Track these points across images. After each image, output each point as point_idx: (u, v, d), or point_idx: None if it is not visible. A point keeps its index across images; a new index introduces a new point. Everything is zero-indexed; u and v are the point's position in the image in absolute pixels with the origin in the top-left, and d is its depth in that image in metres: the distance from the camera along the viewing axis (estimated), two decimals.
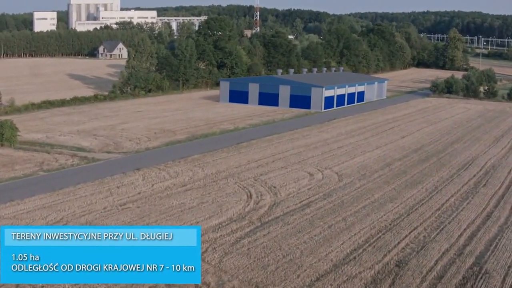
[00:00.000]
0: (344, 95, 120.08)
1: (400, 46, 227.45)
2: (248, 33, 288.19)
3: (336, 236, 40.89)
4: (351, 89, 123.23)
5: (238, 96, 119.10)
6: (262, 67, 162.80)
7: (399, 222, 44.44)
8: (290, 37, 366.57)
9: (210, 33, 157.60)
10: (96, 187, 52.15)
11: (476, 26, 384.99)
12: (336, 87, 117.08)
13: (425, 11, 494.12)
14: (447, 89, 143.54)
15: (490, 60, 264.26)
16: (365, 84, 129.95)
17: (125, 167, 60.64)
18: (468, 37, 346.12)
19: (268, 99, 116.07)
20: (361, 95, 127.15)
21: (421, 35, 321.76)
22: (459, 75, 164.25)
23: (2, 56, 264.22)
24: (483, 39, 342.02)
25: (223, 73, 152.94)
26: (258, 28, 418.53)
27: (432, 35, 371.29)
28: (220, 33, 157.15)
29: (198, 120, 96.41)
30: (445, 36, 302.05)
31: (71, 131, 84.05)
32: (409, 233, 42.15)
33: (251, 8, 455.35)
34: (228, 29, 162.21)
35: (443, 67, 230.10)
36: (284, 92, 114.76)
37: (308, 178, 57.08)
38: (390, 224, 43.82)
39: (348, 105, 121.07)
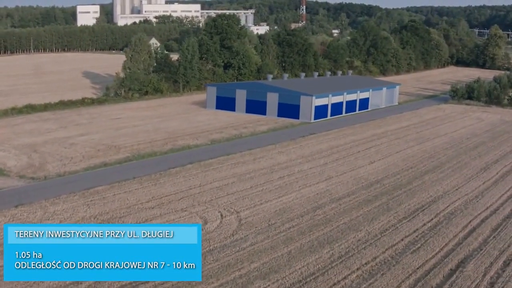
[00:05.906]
0: (341, 103, 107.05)
1: (436, 44, 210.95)
2: (294, 27, 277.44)
3: None
4: (351, 96, 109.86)
5: (225, 103, 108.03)
6: (275, 68, 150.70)
7: None
8: (335, 31, 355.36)
9: (217, 31, 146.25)
10: None
11: None
12: (330, 95, 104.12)
13: (482, 5, 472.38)
14: (467, 94, 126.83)
15: None
16: (370, 90, 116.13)
17: (10, 201, 51.14)
18: None
19: (256, 107, 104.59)
20: (364, 102, 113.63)
21: (474, 30, 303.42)
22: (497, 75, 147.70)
23: (32, 52, 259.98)
24: None
25: (229, 74, 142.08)
26: (304, 22, 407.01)
27: (486, 30, 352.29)
28: (226, 30, 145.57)
29: (163, 132, 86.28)
30: None
31: (19, 145, 76.46)
32: None
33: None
34: (237, 27, 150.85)
35: (483, 66, 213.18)
36: (272, 100, 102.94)
37: None
38: None
39: (347, 114, 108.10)
